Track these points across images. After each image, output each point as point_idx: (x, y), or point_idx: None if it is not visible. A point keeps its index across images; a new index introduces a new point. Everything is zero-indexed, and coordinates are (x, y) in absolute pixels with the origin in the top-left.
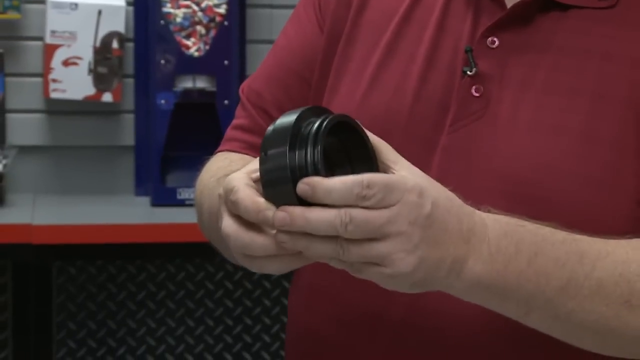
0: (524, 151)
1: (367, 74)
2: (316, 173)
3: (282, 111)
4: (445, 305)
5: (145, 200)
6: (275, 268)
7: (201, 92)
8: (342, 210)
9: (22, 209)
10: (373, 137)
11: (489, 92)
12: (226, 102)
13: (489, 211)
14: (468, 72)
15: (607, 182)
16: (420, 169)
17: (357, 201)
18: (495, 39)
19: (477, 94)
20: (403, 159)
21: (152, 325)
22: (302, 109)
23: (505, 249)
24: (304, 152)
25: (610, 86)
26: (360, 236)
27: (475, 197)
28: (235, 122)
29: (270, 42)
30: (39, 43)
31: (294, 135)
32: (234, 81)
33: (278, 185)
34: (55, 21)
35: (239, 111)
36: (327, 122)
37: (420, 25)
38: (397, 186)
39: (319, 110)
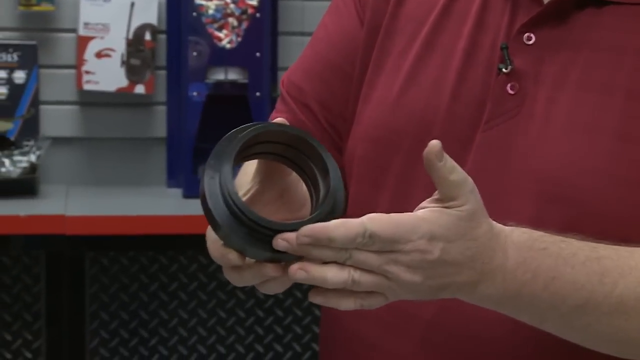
0: (558, 150)
1: (405, 68)
2: (229, 194)
3: (323, 105)
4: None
5: (177, 191)
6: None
7: (233, 84)
8: (344, 251)
9: (56, 200)
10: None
11: (525, 90)
12: (258, 94)
13: (516, 226)
14: (503, 70)
15: None
16: None
17: (359, 247)
18: (532, 35)
19: (512, 92)
20: (466, 182)
21: (184, 316)
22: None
23: (522, 276)
24: (218, 177)
25: None
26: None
27: (509, 195)
28: (274, 115)
29: (302, 34)
30: (72, 35)
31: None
32: (265, 73)
33: (210, 212)
34: (88, 13)
35: (279, 104)
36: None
37: (460, 19)
38: (401, 238)
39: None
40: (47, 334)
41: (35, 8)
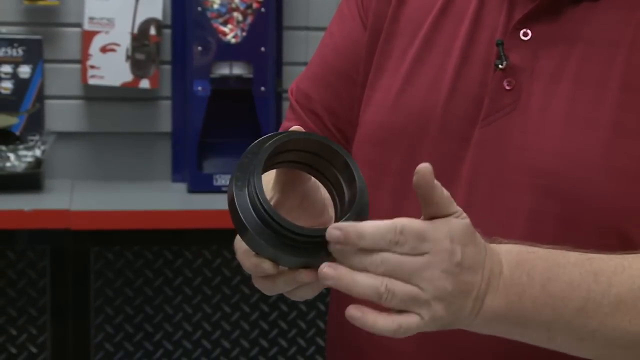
0: (553, 144)
1: (404, 69)
2: (261, 204)
3: (331, 112)
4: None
5: (181, 186)
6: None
7: (238, 78)
8: (376, 254)
9: (60, 195)
10: (431, 190)
11: (521, 86)
12: (262, 88)
13: (499, 242)
14: (499, 66)
15: (637, 174)
16: (455, 164)
17: (390, 246)
18: (528, 31)
19: (508, 88)
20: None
21: (189, 311)
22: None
23: (519, 279)
24: (246, 188)
25: (639, 75)
26: (397, 277)
27: (508, 191)
28: (285, 124)
29: (307, 28)
30: (77, 29)
31: (239, 170)
32: (270, 68)
33: (242, 223)
34: (93, 8)
35: (288, 113)
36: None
37: (457, 19)
38: (429, 235)
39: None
40: (51, 328)
41: (40, 2)
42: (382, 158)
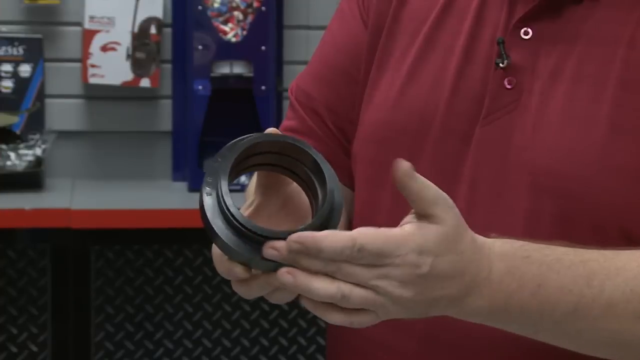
0: (551, 143)
1: (406, 66)
2: (227, 208)
3: (331, 110)
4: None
5: (182, 185)
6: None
7: (238, 77)
8: (332, 263)
9: (61, 194)
10: (413, 180)
11: (522, 84)
12: (263, 87)
13: (497, 237)
14: (500, 64)
15: (635, 172)
16: (457, 162)
17: (348, 260)
18: (529, 29)
19: (509, 86)
20: (444, 198)
21: (189, 310)
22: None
23: (507, 287)
24: (214, 192)
25: (637, 73)
26: (351, 280)
27: (506, 190)
28: (285, 123)
29: (307, 27)
30: (78, 28)
31: (209, 176)
32: (270, 67)
33: (211, 229)
34: (93, 6)
35: (288, 112)
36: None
37: (459, 16)
38: (390, 252)
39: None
40: (52, 327)
41: (41, 1)
42: (383, 157)
